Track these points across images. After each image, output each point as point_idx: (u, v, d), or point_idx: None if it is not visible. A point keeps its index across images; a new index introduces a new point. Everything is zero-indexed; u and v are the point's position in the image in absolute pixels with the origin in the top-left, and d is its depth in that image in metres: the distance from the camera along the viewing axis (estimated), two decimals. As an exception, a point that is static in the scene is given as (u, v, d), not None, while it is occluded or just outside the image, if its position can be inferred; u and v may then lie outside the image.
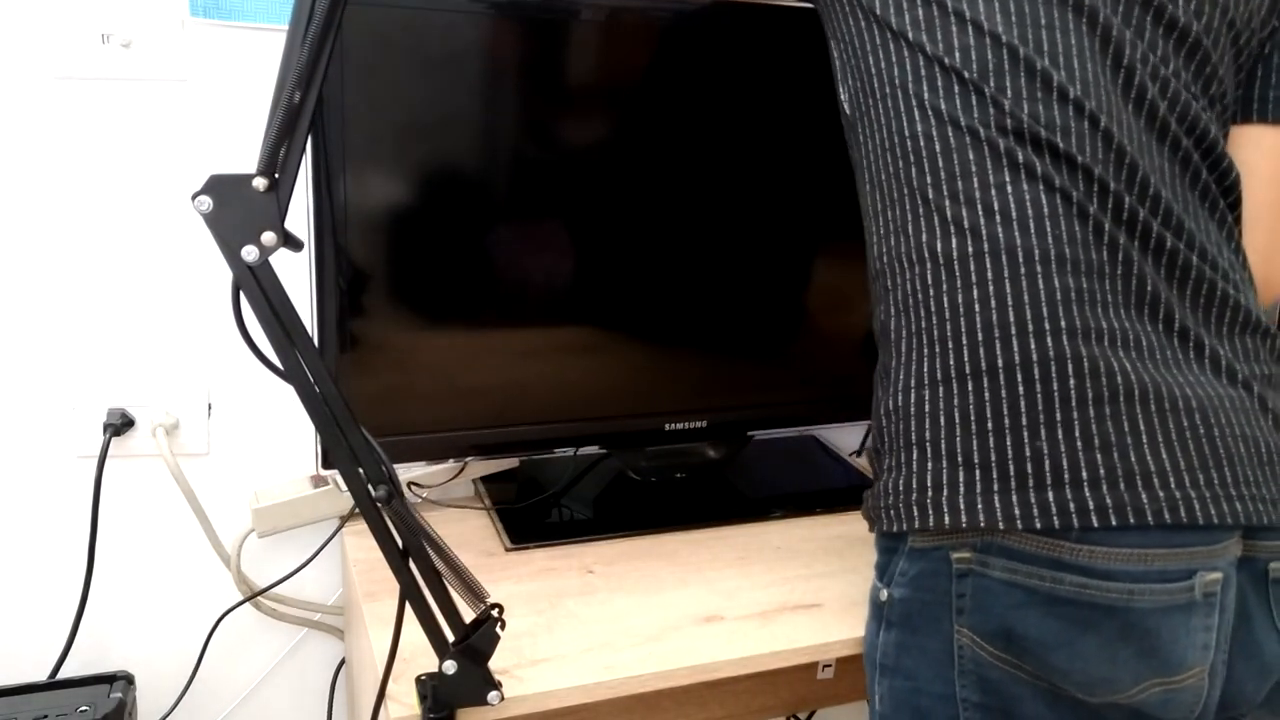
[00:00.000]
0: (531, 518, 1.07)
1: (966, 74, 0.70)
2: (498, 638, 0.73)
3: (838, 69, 0.80)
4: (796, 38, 1.02)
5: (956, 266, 0.71)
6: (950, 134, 0.71)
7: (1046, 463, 0.68)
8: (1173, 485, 0.67)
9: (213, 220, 0.64)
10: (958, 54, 0.70)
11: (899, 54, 0.73)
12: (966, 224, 0.70)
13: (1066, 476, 0.67)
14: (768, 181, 1.06)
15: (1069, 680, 0.69)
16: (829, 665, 0.91)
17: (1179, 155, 0.72)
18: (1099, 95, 0.70)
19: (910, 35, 0.72)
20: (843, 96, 0.80)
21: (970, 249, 0.70)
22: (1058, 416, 0.68)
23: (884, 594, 0.77)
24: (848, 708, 1.41)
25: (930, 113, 0.71)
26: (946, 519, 0.70)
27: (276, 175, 0.64)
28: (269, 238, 0.64)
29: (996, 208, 0.69)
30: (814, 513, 1.11)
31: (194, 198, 0.63)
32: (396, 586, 0.70)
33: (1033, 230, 0.69)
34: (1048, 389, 0.68)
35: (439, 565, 0.71)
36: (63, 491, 1.05)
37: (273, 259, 0.65)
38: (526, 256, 1.02)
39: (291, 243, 0.66)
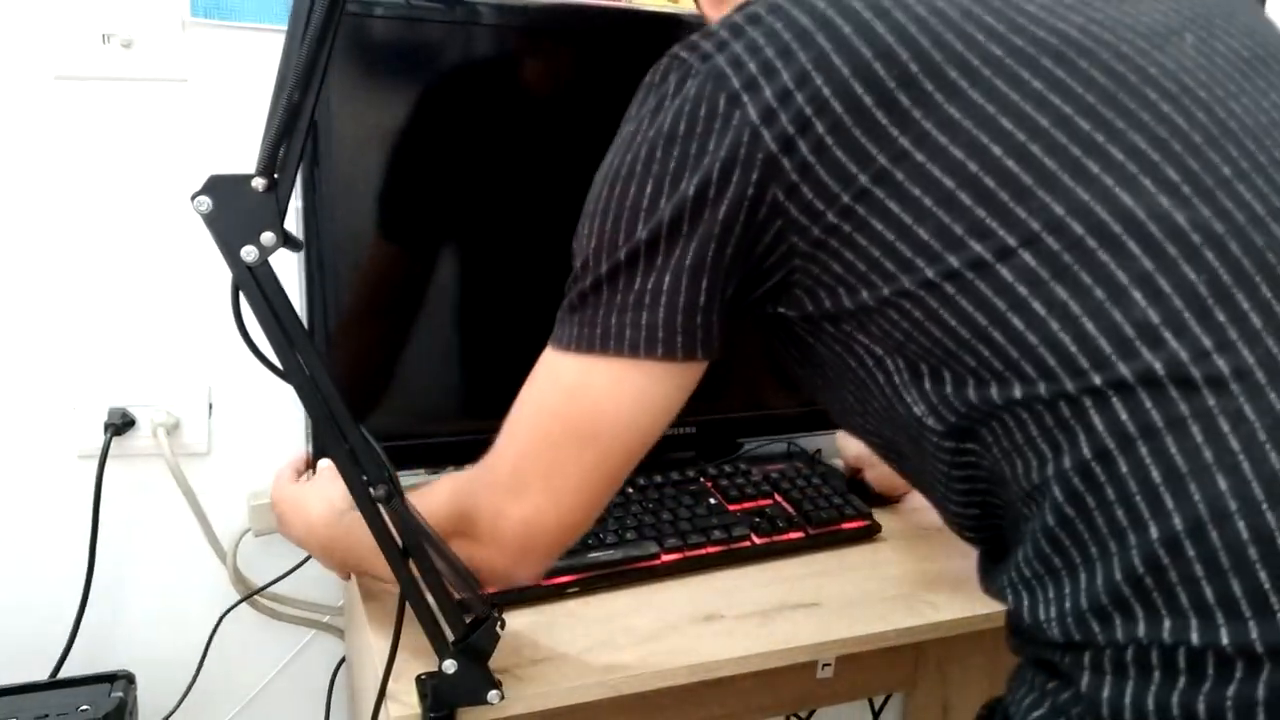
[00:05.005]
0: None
1: None
2: (498, 637, 0.73)
3: None
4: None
5: None
6: None
7: None
8: None
9: (212, 220, 0.64)
10: None
11: None
12: None
13: None
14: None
15: None
16: (828, 664, 0.91)
17: None
18: None
19: None
20: None
21: None
22: None
23: None
24: (847, 707, 1.41)
25: None
26: None
27: (276, 175, 0.64)
28: (268, 238, 0.64)
29: None
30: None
31: (193, 198, 0.63)
32: (396, 586, 0.71)
33: None
34: None
35: (439, 564, 0.71)
36: (64, 491, 1.05)
37: (272, 259, 0.65)
38: (518, 261, 1.02)
39: (291, 243, 0.66)
